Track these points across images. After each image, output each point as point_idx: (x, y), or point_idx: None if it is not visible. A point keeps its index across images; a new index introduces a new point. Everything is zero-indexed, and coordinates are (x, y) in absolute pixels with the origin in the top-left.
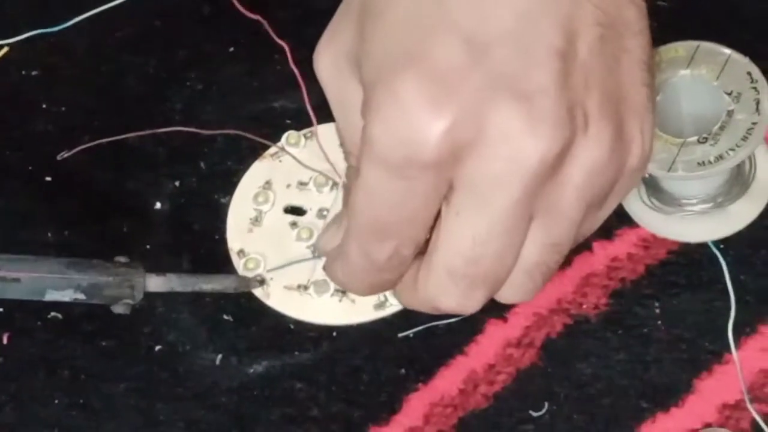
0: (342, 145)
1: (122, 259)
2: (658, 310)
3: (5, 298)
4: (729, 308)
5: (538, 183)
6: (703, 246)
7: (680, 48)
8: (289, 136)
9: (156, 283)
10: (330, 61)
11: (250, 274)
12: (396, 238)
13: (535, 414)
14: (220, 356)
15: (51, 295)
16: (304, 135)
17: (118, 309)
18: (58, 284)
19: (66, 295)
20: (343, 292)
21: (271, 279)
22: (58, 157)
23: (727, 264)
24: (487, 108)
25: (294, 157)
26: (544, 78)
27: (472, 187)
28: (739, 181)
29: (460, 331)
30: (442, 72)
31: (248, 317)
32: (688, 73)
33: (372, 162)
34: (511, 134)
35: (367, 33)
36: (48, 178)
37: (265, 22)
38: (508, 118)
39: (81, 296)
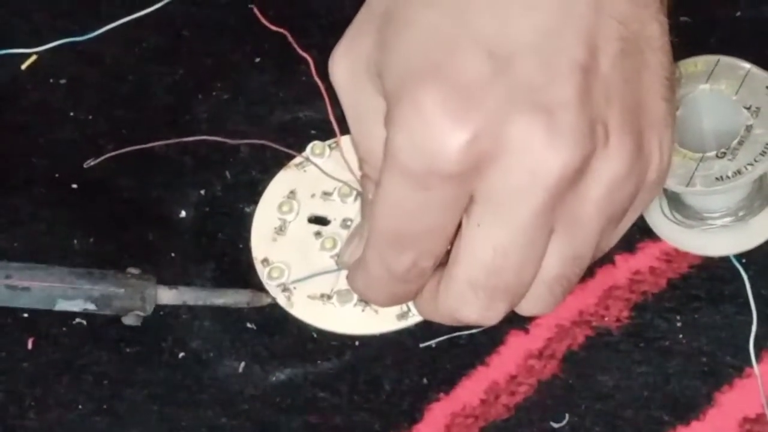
0: (357, 152)
1: (134, 270)
2: (679, 324)
3: (15, 306)
4: (750, 322)
5: (558, 196)
6: (725, 260)
7: (700, 62)
8: (314, 147)
9: (167, 295)
10: (347, 67)
11: (274, 283)
12: (415, 249)
13: (556, 425)
14: (243, 364)
15: (61, 305)
16: (329, 145)
17: (129, 320)
18: (68, 294)
19: (76, 305)
20: (366, 302)
21: (295, 288)
22: (85, 165)
23: (749, 278)
24: (508, 120)
25: (319, 167)
26: (566, 91)
27: (493, 199)
28: (761, 195)
29: (482, 342)
30: (465, 84)
31: (271, 326)
32: (708, 88)
33: (393, 172)
34: (532, 147)
35: (390, 42)
36: (74, 186)
37: (288, 35)
38: (530, 131)
39: (91, 306)
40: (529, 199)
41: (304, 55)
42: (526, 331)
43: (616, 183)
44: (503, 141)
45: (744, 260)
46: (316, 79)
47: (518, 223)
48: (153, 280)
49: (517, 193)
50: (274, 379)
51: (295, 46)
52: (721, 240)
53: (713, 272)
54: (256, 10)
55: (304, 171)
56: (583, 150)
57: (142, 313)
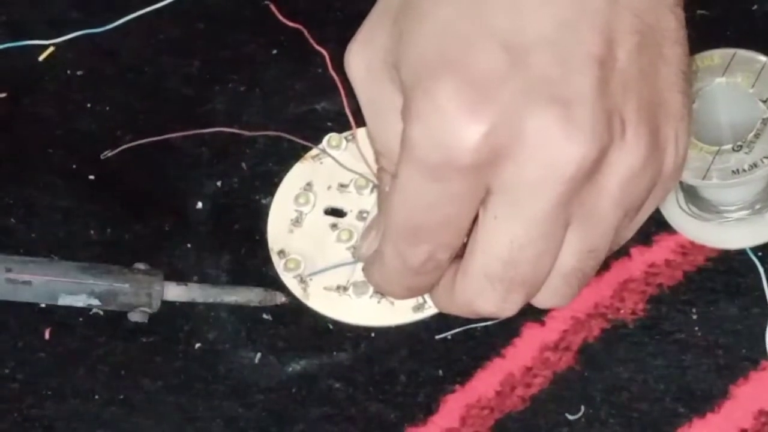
0: (373, 145)
1: (141, 265)
2: (695, 316)
3: (17, 300)
4: (766, 315)
5: (574, 188)
6: (741, 253)
7: (716, 56)
8: (331, 139)
9: (175, 292)
10: (364, 61)
11: (290, 275)
12: (431, 242)
13: (571, 417)
14: (259, 355)
15: (64, 300)
16: (346, 137)
17: (135, 317)
18: (71, 288)
19: (80, 300)
20: (382, 294)
21: (311, 280)
22: (102, 156)
23: (765, 271)
24: (525, 113)
25: (335, 159)
26: (582, 85)
27: (509, 192)
28: None
29: (498, 334)
30: (482, 77)
31: (287, 317)
32: (724, 81)
33: (410, 164)
34: (549, 140)
35: (406, 36)
36: (91, 177)
37: (305, 30)
38: (546, 124)
39: (95, 302)
40: (545, 191)
41: (321, 50)
42: (542, 323)
43: (632, 175)
44: (520, 134)
45: (760, 253)
46: (332, 73)
47: (535, 216)
48: (160, 275)
49: (533, 185)
50: (289, 370)
51: (312, 41)
52: (737, 233)
53: (729, 265)
54: (272, 7)
55: (321, 163)
56: (600, 143)
57: (148, 310)
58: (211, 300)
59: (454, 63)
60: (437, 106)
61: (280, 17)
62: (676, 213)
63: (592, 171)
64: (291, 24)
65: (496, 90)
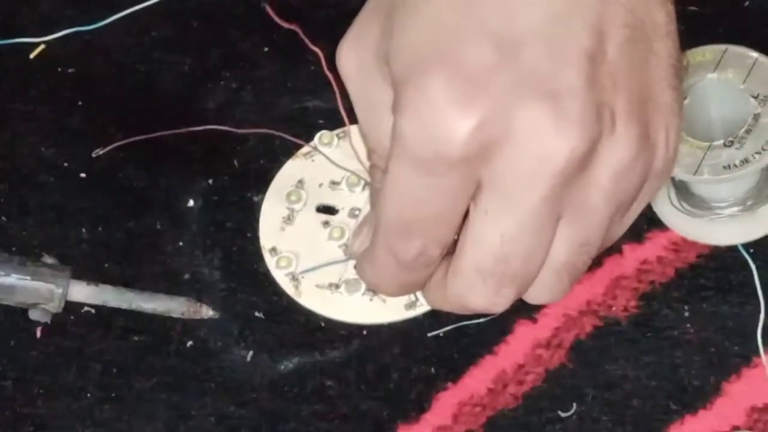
0: (365, 142)
1: (49, 259)
2: (687, 313)
3: None
4: (758, 312)
5: (565, 182)
6: (733, 249)
7: (708, 51)
8: (322, 136)
9: (83, 292)
10: (355, 57)
11: (282, 272)
12: (423, 237)
13: (563, 414)
14: (251, 353)
15: None
16: (337, 135)
17: (35, 315)
18: None
19: None
20: (375, 292)
21: (303, 278)
22: (93, 154)
23: (757, 267)
24: (515, 107)
25: (327, 157)
26: (573, 78)
27: (499, 186)
28: None
29: (490, 331)
30: (472, 71)
31: (280, 315)
32: (715, 77)
33: (400, 158)
34: (539, 133)
35: (397, 31)
36: (83, 175)
37: (299, 31)
38: (536, 117)
39: None
40: (536, 185)
41: (315, 49)
42: (534, 320)
43: (623, 169)
44: (510, 127)
45: (752, 249)
46: (327, 72)
47: (525, 210)
48: (67, 271)
49: (524, 179)
50: (282, 367)
51: (306, 41)
52: (728, 229)
53: (721, 262)
54: (268, 9)
55: (312, 160)
56: (590, 136)
57: (51, 309)
58: (125, 306)
59: (444, 57)
60: (428, 100)
61: (276, 18)
62: (667, 210)
63: (582, 164)
64: (286, 25)
65: (487, 83)
